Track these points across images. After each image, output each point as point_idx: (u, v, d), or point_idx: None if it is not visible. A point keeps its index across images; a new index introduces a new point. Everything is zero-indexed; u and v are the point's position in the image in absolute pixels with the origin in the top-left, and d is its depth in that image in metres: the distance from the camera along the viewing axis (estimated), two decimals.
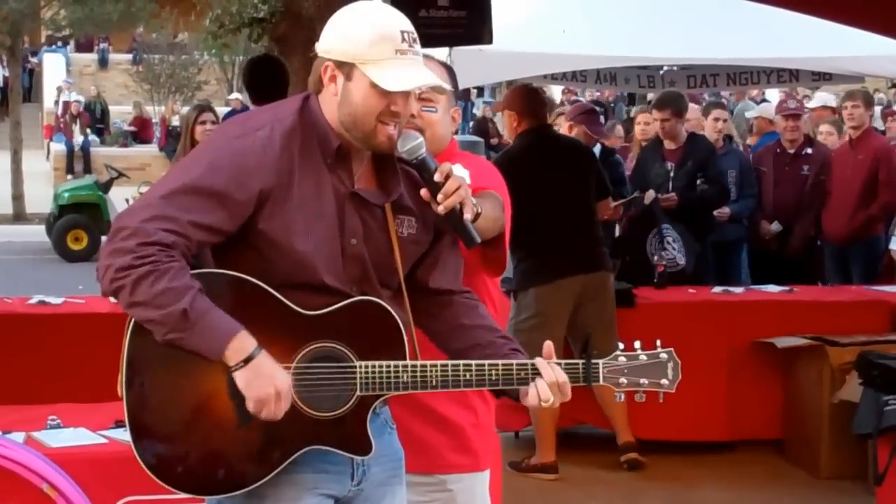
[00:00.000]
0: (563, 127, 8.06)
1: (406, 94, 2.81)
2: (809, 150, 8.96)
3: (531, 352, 2.98)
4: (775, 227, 8.82)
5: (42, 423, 4.04)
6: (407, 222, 2.94)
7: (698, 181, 8.15)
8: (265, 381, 2.68)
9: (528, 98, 6.96)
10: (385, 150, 2.86)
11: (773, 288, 7.71)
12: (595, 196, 6.92)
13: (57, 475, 3.55)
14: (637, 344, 2.96)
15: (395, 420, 3.09)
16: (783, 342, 6.93)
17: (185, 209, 2.68)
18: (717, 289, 7.68)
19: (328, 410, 2.78)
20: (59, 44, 34.78)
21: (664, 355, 2.95)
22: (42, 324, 6.49)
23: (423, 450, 3.30)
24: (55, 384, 5.85)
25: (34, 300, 6.88)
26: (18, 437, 3.86)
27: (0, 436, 3.74)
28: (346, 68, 2.79)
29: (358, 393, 2.79)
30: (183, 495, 2.84)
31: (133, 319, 2.72)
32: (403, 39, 2.79)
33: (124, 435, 2.83)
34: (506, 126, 7.04)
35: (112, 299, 2.86)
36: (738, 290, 7.72)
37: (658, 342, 2.99)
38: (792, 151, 8.91)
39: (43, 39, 31.13)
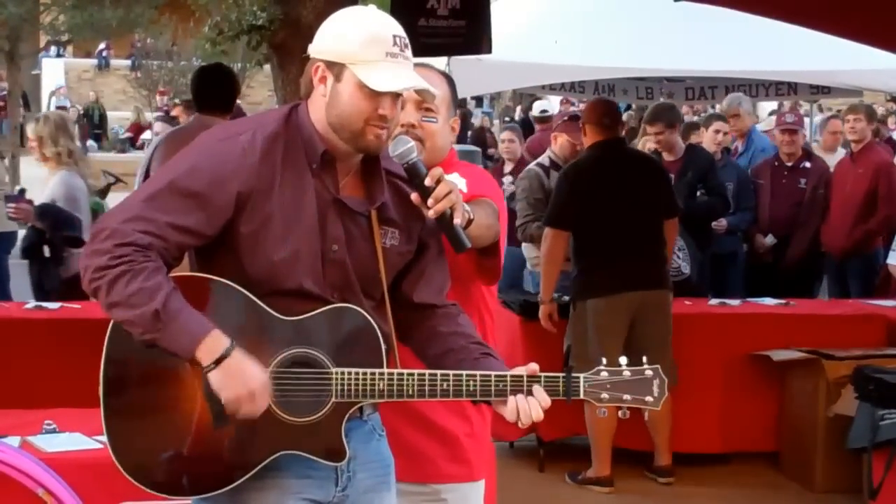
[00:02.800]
0: (553, 141, 7.99)
1: (394, 98, 2.82)
2: (808, 164, 8.96)
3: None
4: (769, 240, 8.83)
5: (38, 428, 4.04)
6: (391, 234, 2.94)
7: (698, 192, 8.18)
8: (238, 381, 2.69)
9: (600, 110, 6.90)
10: (374, 151, 2.87)
11: (769, 301, 7.70)
12: (663, 214, 6.80)
13: (53, 480, 3.55)
14: (622, 359, 2.94)
15: (389, 429, 3.09)
16: (779, 355, 6.92)
17: (163, 211, 2.71)
18: (714, 301, 7.69)
19: (303, 416, 2.78)
20: (55, 48, 34.75)
21: (649, 372, 2.93)
22: (38, 328, 6.48)
23: (418, 459, 3.31)
24: (51, 389, 5.83)
25: (31, 305, 6.89)
26: (14, 441, 3.86)
27: None
28: (335, 68, 2.81)
29: (333, 399, 2.79)
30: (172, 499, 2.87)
31: (111, 324, 2.75)
32: (395, 44, 2.81)
33: (106, 439, 2.83)
34: (585, 140, 6.95)
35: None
36: (735, 302, 7.71)
37: (644, 358, 2.97)
38: (790, 164, 8.92)
39: (42, 45, 31.10)
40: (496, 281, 3.47)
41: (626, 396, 2.91)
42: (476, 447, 3.44)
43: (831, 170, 9.08)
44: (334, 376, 2.78)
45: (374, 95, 2.78)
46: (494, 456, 3.69)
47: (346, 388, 2.79)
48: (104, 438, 3.83)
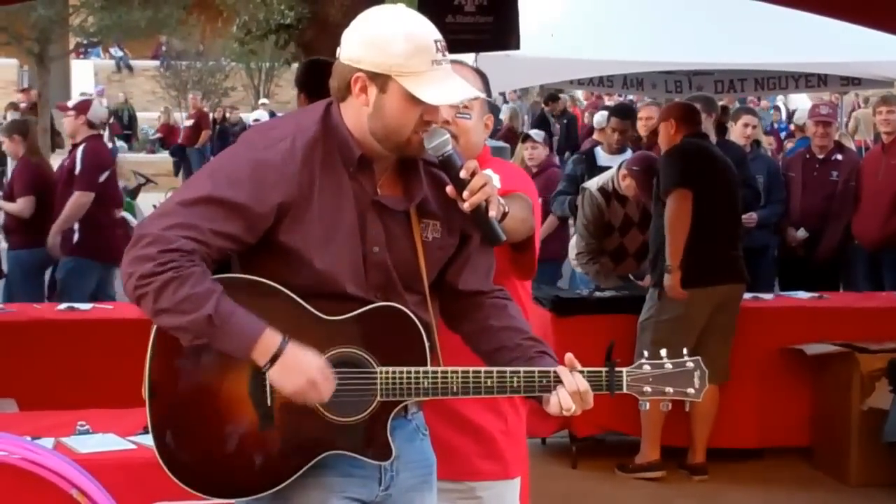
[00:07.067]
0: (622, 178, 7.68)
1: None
2: (839, 156, 8.90)
3: (669, 351, 2.96)
4: (801, 233, 8.77)
5: (71, 429, 4.04)
6: (432, 226, 2.91)
7: None
8: (295, 374, 2.68)
9: (684, 108, 7.07)
10: (417, 155, 2.85)
11: (802, 294, 7.67)
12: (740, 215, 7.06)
13: (86, 481, 3.56)
14: (663, 352, 2.92)
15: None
16: (813, 349, 6.88)
17: (205, 218, 2.68)
18: (747, 295, 7.61)
19: (349, 415, 2.78)
20: (90, 50, 34.88)
21: (691, 364, 2.91)
22: (71, 330, 6.51)
23: (453, 456, 3.29)
24: (84, 390, 5.87)
25: (63, 306, 6.92)
26: (48, 442, 3.86)
27: (30, 441, 3.75)
28: (380, 80, 2.75)
29: (378, 398, 2.78)
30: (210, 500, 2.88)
31: (155, 328, 2.73)
32: (437, 49, 2.76)
33: (152, 440, 2.83)
34: (662, 140, 7.00)
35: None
36: (768, 296, 7.68)
37: (685, 350, 2.96)
38: (821, 157, 8.86)
39: (71, 46, 31.24)
40: (531, 276, 3.47)
41: (669, 389, 2.90)
42: (511, 445, 3.44)
43: None
44: (379, 375, 2.77)
45: (422, 105, 2.75)
46: (527, 454, 3.68)
47: (390, 386, 2.78)
48: (140, 440, 3.90)
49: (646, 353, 2.93)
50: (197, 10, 29.26)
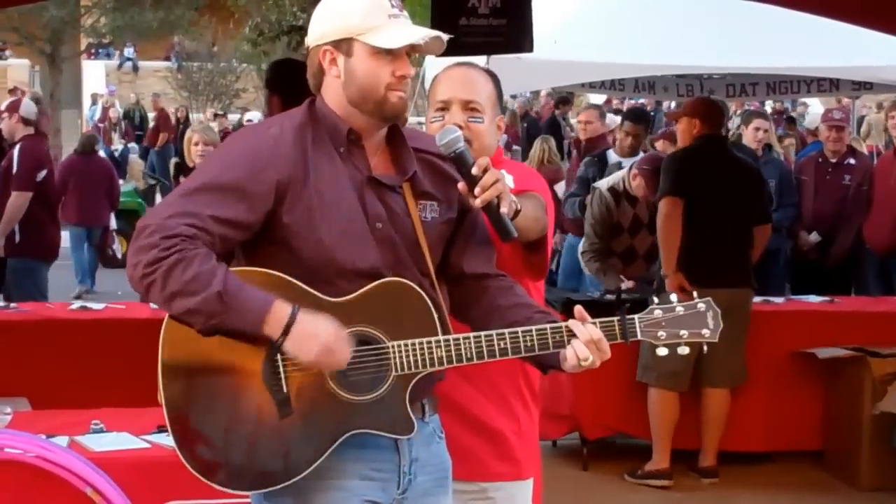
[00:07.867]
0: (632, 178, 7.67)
1: (408, 56, 2.85)
2: (852, 161, 8.91)
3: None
4: (814, 237, 8.78)
5: (85, 428, 4.06)
6: (429, 207, 2.95)
7: None
8: (310, 342, 2.69)
9: (707, 106, 7.06)
10: (399, 113, 2.88)
11: (813, 298, 7.66)
12: (756, 218, 6.94)
13: (100, 479, 3.58)
14: (673, 297, 2.92)
15: None
16: (824, 353, 6.88)
17: (204, 205, 2.72)
18: (758, 299, 7.62)
19: (366, 393, 2.78)
20: (102, 50, 34.94)
21: (702, 305, 2.90)
22: (84, 329, 6.54)
23: (465, 457, 3.29)
24: (98, 389, 5.88)
25: (76, 305, 6.95)
26: (62, 441, 3.88)
27: (44, 440, 3.76)
28: (344, 46, 2.84)
29: (394, 373, 2.79)
30: (225, 498, 2.87)
31: (165, 324, 2.75)
32: (393, 5, 2.85)
33: (167, 439, 2.84)
34: (681, 133, 7.06)
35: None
36: (779, 300, 7.68)
37: (695, 293, 2.94)
38: (834, 161, 8.87)
39: (83, 47, 31.30)
40: (543, 276, 3.48)
41: (683, 332, 2.89)
42: (524, 446, 3.44)
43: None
44: (392, 350, 2.78)
45: (389, 59, 2.81)
46: (540, 455, 3.68)
47: (404, 360, 2.78)
48: (154, 439, 3.91)
49: (656, 299, 2.92)
50: (209, 11, 29.34)
